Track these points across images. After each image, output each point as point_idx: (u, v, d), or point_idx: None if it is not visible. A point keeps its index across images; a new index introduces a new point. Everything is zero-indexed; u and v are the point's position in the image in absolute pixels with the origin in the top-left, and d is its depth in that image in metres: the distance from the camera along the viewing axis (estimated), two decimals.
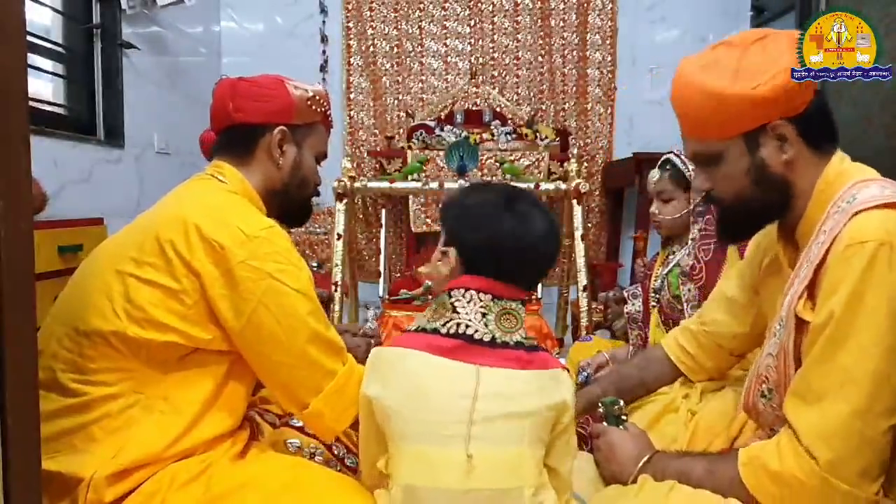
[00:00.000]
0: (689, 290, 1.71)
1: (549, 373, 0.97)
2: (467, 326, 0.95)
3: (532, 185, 2.58)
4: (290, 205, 1.23)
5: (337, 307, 2.48)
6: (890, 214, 0.87)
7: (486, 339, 0.95)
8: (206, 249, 0.98)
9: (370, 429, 0.98)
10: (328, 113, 1.26)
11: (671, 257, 1.85)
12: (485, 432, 0.91)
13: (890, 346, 0.84)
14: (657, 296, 1.86)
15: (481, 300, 0.96)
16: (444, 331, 0.95)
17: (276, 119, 1.16)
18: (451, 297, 0.97)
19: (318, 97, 1.21)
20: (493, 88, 3.74)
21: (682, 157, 1.79)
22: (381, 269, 3.40)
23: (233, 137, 1.17)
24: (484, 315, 0.96)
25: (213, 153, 1.20)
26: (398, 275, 3.68)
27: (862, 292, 0.85)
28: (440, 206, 1.08)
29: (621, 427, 1.16)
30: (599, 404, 1.22)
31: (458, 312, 0.96)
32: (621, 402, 1.22)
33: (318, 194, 1.30)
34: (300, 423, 1.25)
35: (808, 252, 0.95)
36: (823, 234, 0.92)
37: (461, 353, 0.94)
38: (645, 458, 1.06)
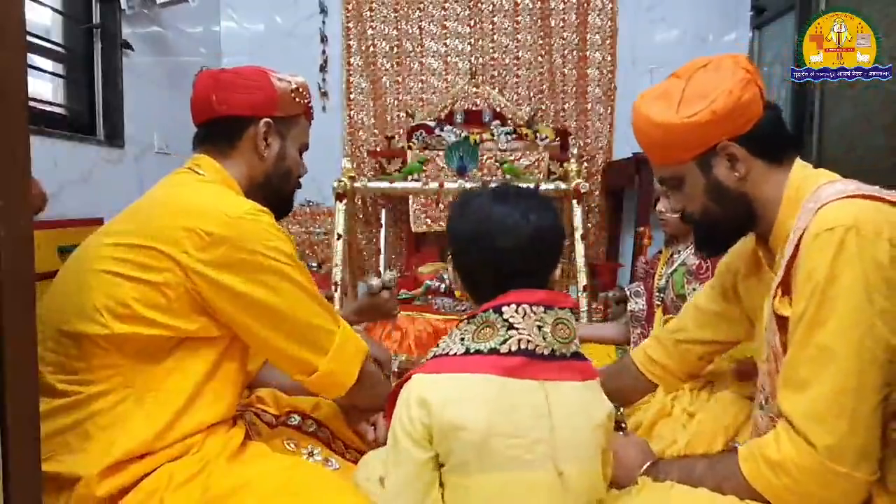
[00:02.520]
0: (695, 289, 1.71)
1: (597, 381, 0.98)
2: (528, 342, 0.91)
3: (532, 186, 2.57)
4: (271, 197, 1.21)
5: (337, 307, 2.47)
6: (854, 203, 0.89)
7: (546, 352, 0.91)
8: (194, 239, 0.98)
9: (424, 464, 0.90)
10: (310, 105, 1.25)
11: (675, 256, 1.85)
12: (567, 448, 0.90)
13: (870, 323, 0.85)
14: (661, 295, 1.86)
15: (535, 313, 0.92)
16: (504, 349, 0.90)
17: (260, 111, 1.15)
18: (501, 313, 0.92)
19: (301, 89, 1.20)
20: (493, 88, 3.73)
21: None
22: (381, 269, 3.40)
23: (215, 130, 1.16)
24: (540, 328, 0.92)
25: (194, 145, 1.19)
26: (398, 275, 3.68)
27: (835, 275, 0.87)
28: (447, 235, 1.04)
29: (621, 433, 1.16)
30: None
31: (516, 329, 0.91)
32: (621, 409, 1.22)
33: (299, 186, 1.29)
34: (297, 423, 1.26)
35: (783, 252, 0.97)
36: (794, 232, 0.94)
37: (526, 371, 0.90)
38: (648, 464, 1.06)
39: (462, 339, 0.94)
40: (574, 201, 2.54)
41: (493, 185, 1.05)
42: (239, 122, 1.15)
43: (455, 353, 0.93)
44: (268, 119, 1.16)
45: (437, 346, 0.98)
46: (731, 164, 1.01)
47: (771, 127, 1.01)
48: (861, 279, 0.85)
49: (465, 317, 0.99)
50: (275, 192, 1.22)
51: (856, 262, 0.86)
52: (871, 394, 0.85)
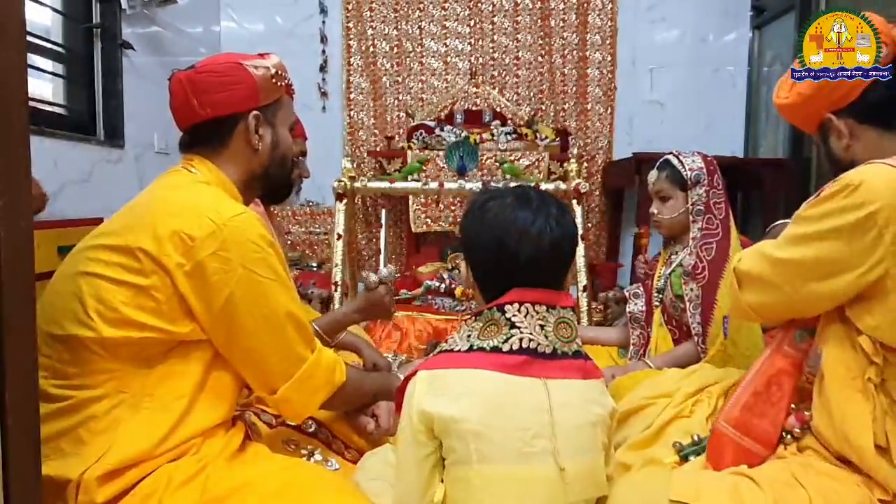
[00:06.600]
0: (692, 289, 1.71)
1: (601, 381, 1.00)
2: (530, 340, 0.93)
3: (531, 185, 2.57)
4: (272, 184, 1.22)
5: (337, 307, 2.47)
6: (879, 169, 0.91)
7: (548, 351, 0.94)
8: (176, 242, 0.97)
9: (424, 459, 0.93)
10: (290, 82, 1.23)
11: (673, 257, 1.85)
12: (567, 444, 0.91)
13: (793, 258, 0.99)
14: (660, 295, 1.86)
15: (538, 312, 0.94)
16: (506, 348, 0.93)
17: (245, 106, 1.12)
18: (504, 312, 0.94)
19: (279, 71, 1.17)
20: (493, 88, 3.73)
21: (681, 158, 1.79)
22: (382, 268, 3.39)
23: (203, 133, 1.13)
24: (542, 327, 0.94)
25: (182, 149, 1.16)
26: (398, 275, 3.68)
27: (810, 210, 0.97)
28: (459, 227, 1.06)
29: None
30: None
31: (518, 327, 0.93)
32: None
33: (296, 166, 1.29)
34: (296, 423, 1.25)
35: None
36: None
37: (528, 369, 0.92)
38: None
39: (468, 336, 0.97)
40: (574, 201, 2.54)
41: (507, 185, 1.05)
42: (226, 122, 1.12)
43: (459, 350, 0.96)
44: (256, 112, 1.13)
45: (446, 341, 1.01)
46: (838, 133, 1.04)
47: (880, 94, 1.00)
48: (821, 227, 0.94)
49: (468, 314, 1.00)
50: (274, 179, 1.21)
51: (832, 212, 0.93)
52: (770, 286, 1.03)
